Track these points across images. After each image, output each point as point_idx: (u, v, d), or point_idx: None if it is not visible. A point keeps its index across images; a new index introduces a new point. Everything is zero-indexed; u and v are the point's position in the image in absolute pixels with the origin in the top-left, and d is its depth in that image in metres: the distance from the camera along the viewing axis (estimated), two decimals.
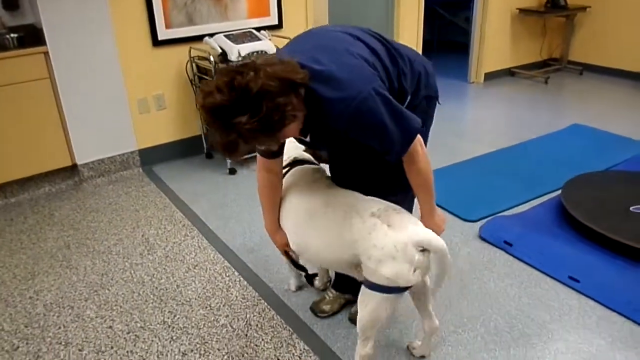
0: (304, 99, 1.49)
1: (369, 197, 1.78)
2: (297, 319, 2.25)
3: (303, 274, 2.21)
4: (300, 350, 2.07)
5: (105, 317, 2.33)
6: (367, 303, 1.69)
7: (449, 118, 4.69)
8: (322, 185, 1.93)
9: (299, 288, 2.41)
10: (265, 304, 2.35)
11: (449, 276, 1.70)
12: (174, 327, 2.24)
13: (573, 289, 2.38)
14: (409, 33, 4.93)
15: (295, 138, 1.76)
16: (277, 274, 2.55)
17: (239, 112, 1.35)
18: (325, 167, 2.08)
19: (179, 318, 2.29)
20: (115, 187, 3.60)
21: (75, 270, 2.69)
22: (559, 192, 3.05)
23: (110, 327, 2.26)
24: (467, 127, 4.52)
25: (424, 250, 1.59)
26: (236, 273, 2.58)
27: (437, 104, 1.93)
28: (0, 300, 2.50)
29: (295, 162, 2.07)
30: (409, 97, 1.74)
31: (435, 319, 1.92)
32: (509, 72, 5.90)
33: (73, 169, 3.67)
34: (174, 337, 2.18)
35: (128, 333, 2.22)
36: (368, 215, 1.66)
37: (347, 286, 2.17)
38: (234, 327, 2.22)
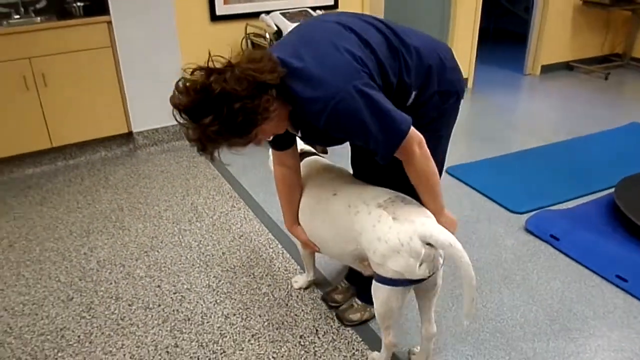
0: (285, 97, 1.44)
1: (374, 187, 1.72)
2: None
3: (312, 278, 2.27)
4: (338, 324, 2.11)
5: (154, 277, 2.44)
6: (378, 295, 1.65)
7: (501, 109, 4.60)
8: (331, 174, 1.89)
9: (306, 288, 2.33)
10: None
11: (471, 285, 1.50)
12: (218, 292, 2.32)
13: (620, 288, 2.33)
14: (466, 19, 4.84)
15: (288, 133, 1.67)
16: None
17: (202, 114, 1.33)
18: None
19: (223, 283, 2.37)
20: (168, 156, 3.73)
21: (127, 232, 2.82)
22: (611, 190, 2.96)
23: (159, 286, 2.37)
24: (519, 119, 4.42)
25: (431, 244, 1.52)
26: (280, 246, 2.64)
27: (458, 99, 1.76)
28: (58, 254, 2.65)
29: (303, 154, 2.03)
30: (414, 93, 1.61)
31: (434, 325, 1.81)
32: (567, 66, 5.71)
33: (128, 136, 3.82)
34: (218, 301, 2.26)
35: (175, 293, 2.32)
36: (374, 206, 1.60)
37: (359, 278, 2.02)
38: (275, 296, 2.28)
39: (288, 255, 2.56)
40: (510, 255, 2.56)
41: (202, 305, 2.24)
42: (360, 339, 2.03)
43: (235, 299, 2.27)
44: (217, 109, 1.32)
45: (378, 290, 1.64)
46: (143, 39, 3.54)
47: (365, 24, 1.57)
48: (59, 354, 2.01)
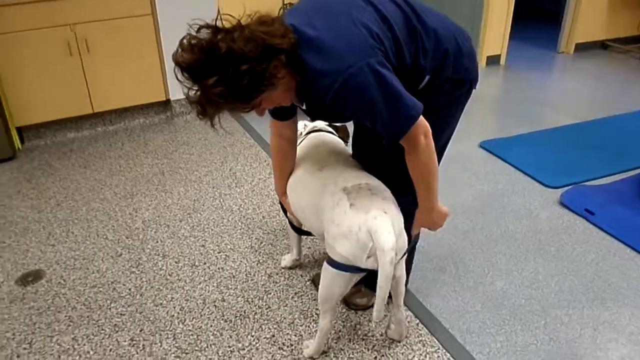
0: (294, 66, 1.37)
1: (358, 171, 1.70)
2: None
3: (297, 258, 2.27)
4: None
5: (198, 237, 2.53)
6: (324, 277, 1.65)
7: (534, 86, 4.57)
8: (328, 151, 1.86)
9: (291, 267, 2.31)
10: None
11: (382, 294, 1.50)
12: (260, 252, 2.41)
13: None
14: None
15: (293, 105, 1.63)
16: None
17: (206, 74, 1.25)
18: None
19: (264, 245, 2.46)
20: (204, 124, 3.80)
21: (170, 194, 2.91)
22: None
23: (203, 245, 2.47)
24: (552, 97, 4.40)
25: None
26: None
27: (471, 88, 1.68)
28: (104, 214, 2.76)
29: (316, 131, 2.02)
30: (427, 77, 1.53)
31: (402, 312, 1.83)
32: (602, 45, 5.62)
33: (166, 104, 3.90)
34: (261, 261, 2.35)
35: (219, 252, 2.41)
36: (339, 189, 1.59)
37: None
38: (316, 258, 2.36)
39: None
40: (545, 227, 2.59)
41: (245, 264, 2.33)
42: None
43: (276, 260, 2.35)
44: (223, 69, 1.24)
45: (325, 272, 1.63)
46: (183, 7, 3.59)
47: None
48: (112, 305, 2.12)
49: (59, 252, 2.46)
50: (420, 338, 1.93)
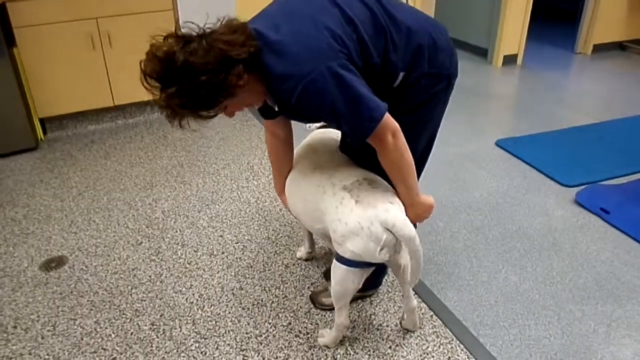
0: (259, 71, 1.37)
1: (351, 167, 1.69)
2: None
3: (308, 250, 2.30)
4: (393, 277, 2.22)
5: (216, 227, 2.58)
6: (336, 275, 1.66)
7: (550, 86, 4.56)
8: (324, 149, 1.85)
9: (306, 259, 2.34)
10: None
11: (417, 271, 1.60)
12: (277, 243, 2.45)
13: None
14: None
15: (266, 106, 1.61)
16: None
17: (167, 84, 1.28)
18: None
19: (281, 236, 2.50)
20: (221, 118, 3.84)
21: (189, 186, 2.97)
22: None
23: (221, 236, 2.52)
24: (569, 97, 4.39)
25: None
26: None
27: (450, 84, 1.66)
28: (124, 204, 2.82)
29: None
30: (401, 74, 1.52)
31: (413, 300, 1.86)
32: (620, 46, 5.59)
33: None
34: (278, 252, 2.39)
35: (237, 243, 2.46)
36: (339, 188, 1.59)
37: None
38: (333, 251, 2.40)
39: None
40: (560, 225, 2.61)
41: (263, 254, 2.38)
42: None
43: (293, 251, 2.39)
44: (180, 81, 1.26)
45: (336, 270, 1.64)
46: (203, 2, 3.64)
47: None
48: (133, 291, 2.18)
49: (81, 240, 2.53)
50: (434, 329, 1.96)
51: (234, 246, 2.44)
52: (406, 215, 1.61)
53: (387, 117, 1.41)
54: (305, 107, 1.38)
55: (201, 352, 1.86)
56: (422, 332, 1.94)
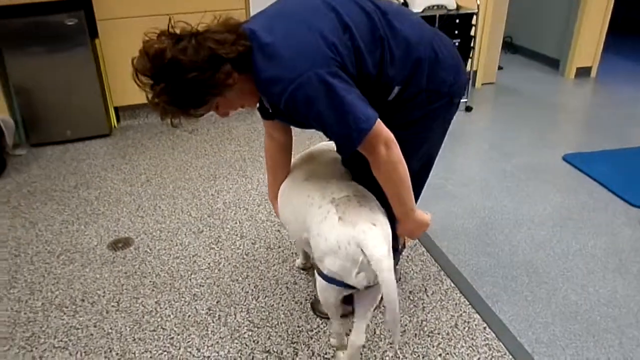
0: (249, 71, 1.34)
1: (345, 181, 1.63)
2: (447, 259, 2.37)
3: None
4: (447, 286, 2.20)
5: (274, 222, 2.64)
6: (318, 285, 1.59)
7: (625, 102, 4.36)
8: (323, 160, 1.80)
9: (303, 269, 2.31)
10: (417, 240, 2.49)
11: (393, 315, 1.42)
12: None
13: None
14: (596, 6, 4.59)
15: (264, 106, 1.57)
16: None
17: (156, 81, 1.27)
18: None
19: None
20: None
21: (250, 180, 3.05)
22: None
23: (279, 231, 2.57)
24: None
25: None
26: None
27: (451, 103, 1.59)
28: (188, 192, 2.94)
29: None
30: (396, 88, 1.47)
31: (363, 336, 1.65)
32: None
33: None
34: None
35: (293, 239, 2.51)
36: (327, 201, 1.51)
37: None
38: None
39: None
40: (627, 246, 2.49)
41: None
42: (468, 303, 2.10)
43: None
44: (168, 77, 1.26)
45: (318, 281, 1.57)
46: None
47: (352, 3, 1.42)
48: (192, 276, 2.27)
49: (147, 224, 2.65)
50: (486, 342, 1.93)
51: (290, 242, 2.49)
52: (398, 230, 1.55)
53: (379, 126, 1.34)
54: (293, 113, 1.35)
55: (253, 341, 1.91)
56: (473, 343, 1.91)
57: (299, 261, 2.32)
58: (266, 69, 1.31)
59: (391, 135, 1.36)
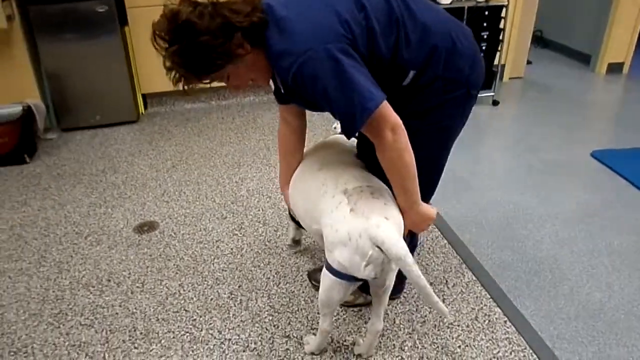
0: (261, 45, 1.35)
1: (360, 172, 1.59)
2: (468, 252, 2.36)
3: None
4: (468, 279, 2.19)
5: None
6: (323, 282, 1.57)
7: None
8: (336, 150, 1.78)
9: (292, 245, 2.35)
10: (439, 232, 2.49)
11: (428, 294, 1.42)
12: None
13: None
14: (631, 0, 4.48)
15: (277, 91, 1.58)
16: (454, 210, 2.67)
17: (170, 42, 1.29)
18: None
19: None
20: None
21: (274, 169, 3.08)
22: None
23: None
24: None
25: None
26: None
27: (469, 95, 1.55)
28: (213, 179, 2.97)
29: None
30: (412, 72, 1.45)
31: (381, 322, 1.70)
32: None
33: None
34: None
35: None
36: (340, 191, 1.50)
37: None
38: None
39: None
40: None
41: None
42: (490, 296, 2.09)
43: None
44: (181, 39, 1.28)
45: (324, 278, 1.56)
46: None
47: None
48: (215, 260, 2.30)
49: (172, 208, 2.70)
50: (507, 335, 1.91)
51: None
52: (403, 222, 1.51)
53: (386, 110, 1.33)
54: (301, 88, 1.34)
55: (274, 325, 1.94)
56: (493, 337, 1.91)
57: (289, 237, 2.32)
58: (277, 42, 1.32)
59: (399, 121, 1.34)
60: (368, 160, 1.66)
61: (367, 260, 1.41)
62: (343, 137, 1.83)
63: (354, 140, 1.81)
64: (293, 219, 2.17)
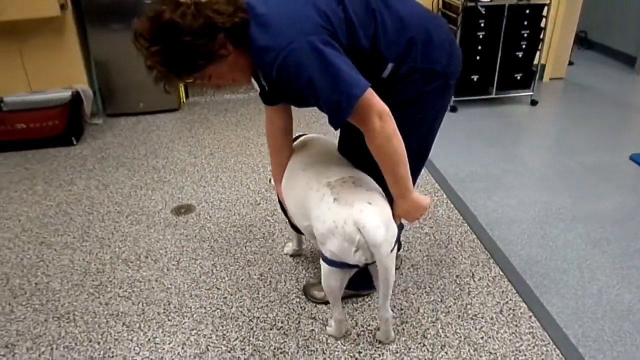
0: (243, 44, 1.37)
1: (345, 166, 1.65)
2: (497, 247, 2.37)
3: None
4: (495, 273, 2.20)
5: None
6: (322, 272, 1.64)
7: None
8: (317, 149, 1.82)
9: (293, 255, 2.32)
10: (468, 227, 2.50)
11: (385, 289, 1.57)
12: None
13: None
14: None
15: (264, 90, 1.59)
16: (484, 207, 2.68)
17: (152, 42, 1.29)
18: None
19: None
20: None
21: None
22: None
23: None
24: None
25: None
26: (445, 196, 2.77)
27: (446, 85, 1.57)
28: (248, 167, 3.07)
29: None
30: (390, 64, 1.48)
31: (388, 310, 1.75)
32: None
33: None
34: None
35: None
36: (323, 185, 1.56)
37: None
38: (436, 237, 2.43)
39: (452, 206, 2.68)
40: None
41: None
42: (515, 291, 2.10)
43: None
44: (163, 39, 1.29)
45: (322, 268, 1.63)
46: None
47: None
48: (247, 244, 2.39)
49: (208, 193, 2.80)
50: (531, 330, 1.92)
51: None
52: (395, 210, 1.55)
53: (372, 97, 1.35)
54: (285, 81, 1.36)
55: (300, 307, 2.01)
56: (517, 330, 1.92)
57: (289, 247, 2.32)
58: (260, 38, 1.34)
59: (386, 109, 1.37)
60: (350, 156, 1.73)
61: (355, 245, 1.47)
62: (323, 136, 1.92)
63: (335, 139, 1.86)
64: (292, 225, 2.13)
